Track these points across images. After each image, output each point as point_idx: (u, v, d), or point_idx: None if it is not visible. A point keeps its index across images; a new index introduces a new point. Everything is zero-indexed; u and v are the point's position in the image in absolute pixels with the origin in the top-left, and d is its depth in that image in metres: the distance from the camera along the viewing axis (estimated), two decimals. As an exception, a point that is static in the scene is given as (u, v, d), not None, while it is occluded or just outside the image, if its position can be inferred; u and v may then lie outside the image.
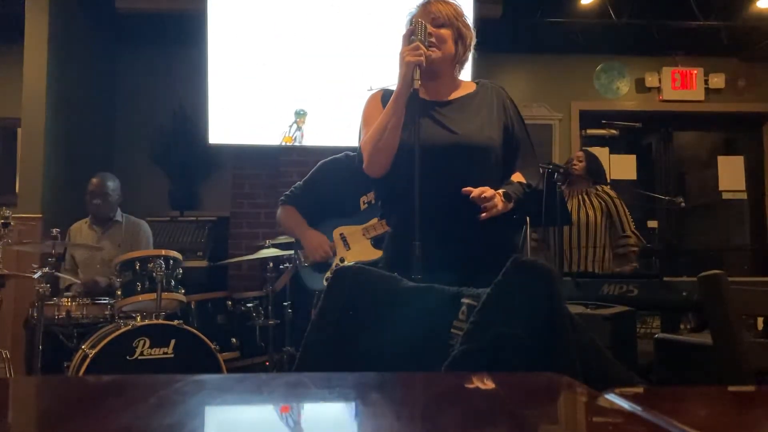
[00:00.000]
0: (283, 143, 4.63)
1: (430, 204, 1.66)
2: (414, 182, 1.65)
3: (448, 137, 1.79)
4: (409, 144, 1.73)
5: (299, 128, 4.62)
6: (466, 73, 1.84)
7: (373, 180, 1.84)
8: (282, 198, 2.90)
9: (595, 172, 4.06)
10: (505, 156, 1.85)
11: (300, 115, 4.62)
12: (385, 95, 1.91)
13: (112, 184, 3.81)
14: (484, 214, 1.68)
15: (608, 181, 4.19)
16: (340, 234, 2.76)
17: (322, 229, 2.78)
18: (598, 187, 4.01)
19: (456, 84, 1.93)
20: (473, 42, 1.92)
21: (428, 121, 1.79)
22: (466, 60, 1.92)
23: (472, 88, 1.93)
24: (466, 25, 1.89)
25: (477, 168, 1.78)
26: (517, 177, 1.83)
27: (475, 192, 1.67)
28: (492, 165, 1.81)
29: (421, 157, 1.67)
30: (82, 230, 3.83)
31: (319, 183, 2.80)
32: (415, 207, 1.64)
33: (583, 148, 4.32)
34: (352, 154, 2.72)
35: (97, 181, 3.79)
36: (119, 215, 3.85)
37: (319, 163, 2.85)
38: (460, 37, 1.86)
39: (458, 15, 1.87)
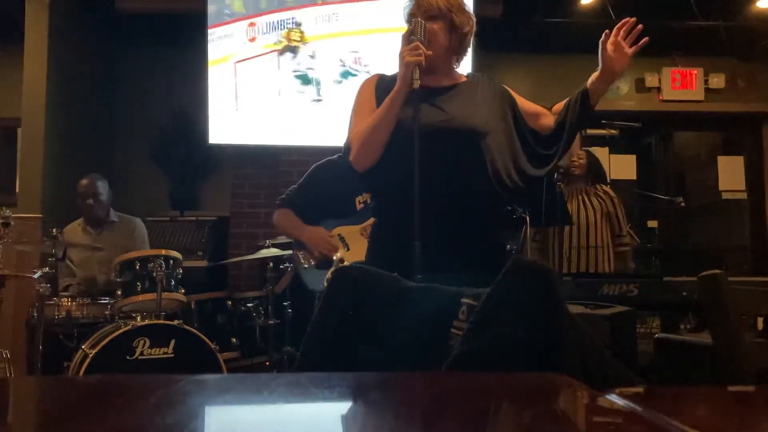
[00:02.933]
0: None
1: (426, 190, 1.64)
2: (411, 177, 1.64)
3: (441, 117, 1.77)
4: (404, 132, 1.71)
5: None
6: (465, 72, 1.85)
7: (360, 172, 1.82)
8: (277, 201, 2.91)
9: (595, 172, 4.06)
10: (504, 143, 1.83)
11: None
12: (380, 81, 1.89)
13: (102, 184, 3.77)
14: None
15: (608, 181, 4.19)
16: (339, 234, 2.76)
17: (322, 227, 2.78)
18: (598, 187, 4.02)
19: (450, 74, 1.92)
20: (473, 29, 1.89)
21: (422, 105, 1.76)
22: (464, 51, 1.90)
23: (463, 79, 1.93)
24: (463, 12, 1.86)
25: (471, 151, 1.77)
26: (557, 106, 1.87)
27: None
28: (486, 151, 1.79)
29: (418, 151, 1.65)
30: (76, 232, 3.79)
31: (314, 185, 2.81)
32: (414, 203, 1.63)
33: (584, 148, 4.32)
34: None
35: (86, 181, 3.74)
36: (113, 215, 3.82)
37: (313, 166, 2.86)
38: (453, 28, 1.84)
39: (451, 5, 1.84)
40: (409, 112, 1.72)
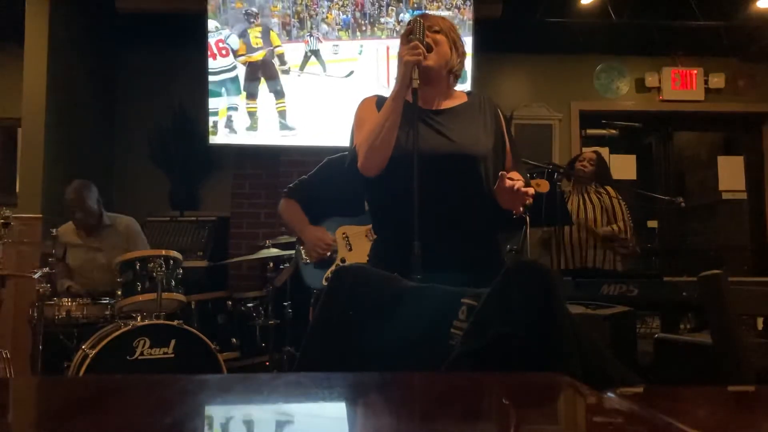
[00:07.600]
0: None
1: (427, 211, 1.65)
2: (411, 187, 1.65)
3: (446, 145, 1.79)
4: (405, 149, 1.73)
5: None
6: (466, 74, 1.86)
7: (366, 182, 1.82)
8: (285, 190, 2.80)
9: (602, 175, 4.06)
10: (497, 164, 1.85)
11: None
12: (379, 101, 1.90)
13: (88, 192, 3.64)
14: (522, 209, 1.71)
15: (612, 183, 4.18)
16: (343, 234, 2.71)
17: (324, 227, 2.72)
18: (600, 189, 4.02)
19: (450, 94, 1.92)
20: (465, 57, 1.97)
21: (425, 129, 1.78)
22: (459, 72, 1.94)
23: (464, 98, 1.93)
24: (460, 39, 1.94)
25: (472, 176, 1.79)
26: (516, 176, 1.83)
27: (518, 184, 1.66)
28: (485, 174, 1.80)
29: (418, 164, 1.67)
30: (70, 234, 3.70)
31: (324, 179, 2.70)
32: (414, 210, 1.63)
33: (594, 150, 4.31)
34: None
35: (72, 192, 3.62)
36: (105, 218, 3.72)
37: (325, 159, 2.75)
38: (455, 46, 1.88)
39: (453, 28, 1.92)
40: (409, 132, 1.73)
